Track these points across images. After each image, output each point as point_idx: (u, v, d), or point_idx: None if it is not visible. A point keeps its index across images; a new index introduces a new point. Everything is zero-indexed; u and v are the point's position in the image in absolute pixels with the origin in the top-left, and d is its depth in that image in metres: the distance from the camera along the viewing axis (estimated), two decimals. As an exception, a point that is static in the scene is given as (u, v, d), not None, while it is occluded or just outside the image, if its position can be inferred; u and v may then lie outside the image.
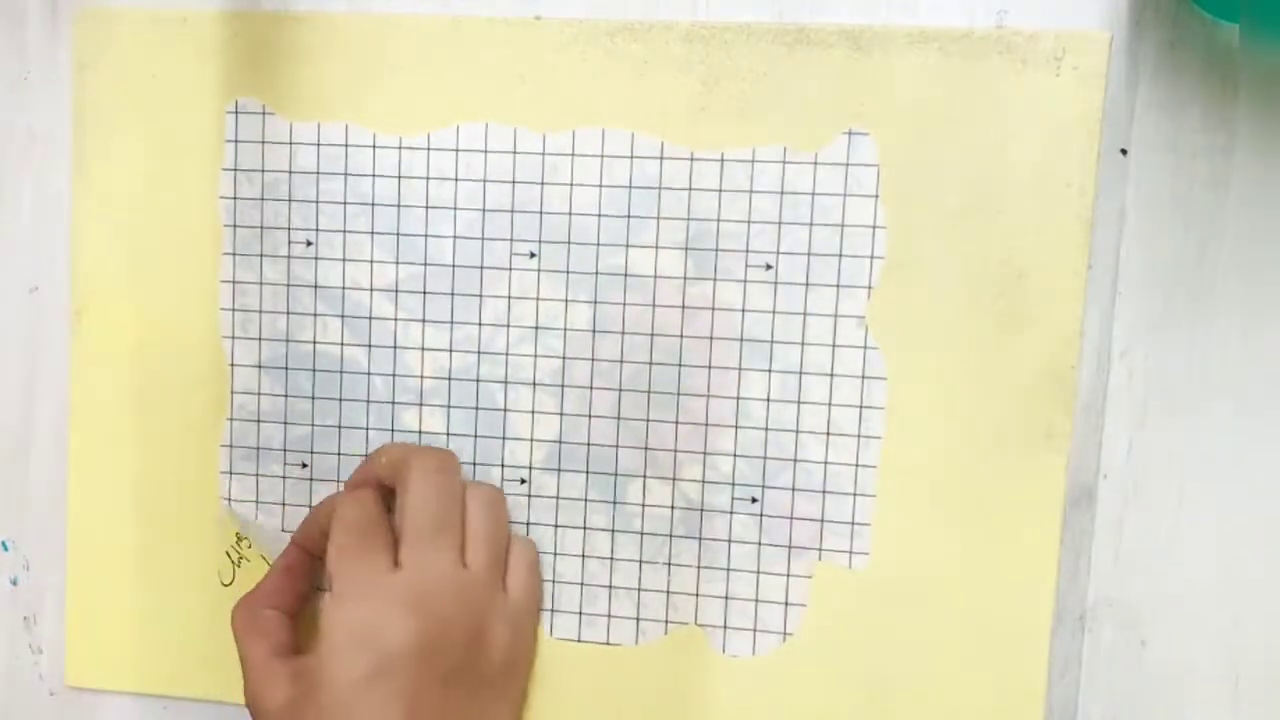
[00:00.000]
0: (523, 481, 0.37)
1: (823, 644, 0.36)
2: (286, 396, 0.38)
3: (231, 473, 0.39)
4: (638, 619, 0.37)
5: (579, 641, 0.37)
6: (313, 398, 0.38)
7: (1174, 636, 0.35)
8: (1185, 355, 0.34)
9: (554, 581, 0.37)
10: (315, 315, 0.38)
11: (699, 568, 0.36)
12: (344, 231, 0.37)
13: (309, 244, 0.37)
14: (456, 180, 0.36)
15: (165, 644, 0.39)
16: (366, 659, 0.32)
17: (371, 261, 0.37)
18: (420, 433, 0.37)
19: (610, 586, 0.37)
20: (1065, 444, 0.34)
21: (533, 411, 0.37)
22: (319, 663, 0.32)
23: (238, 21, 0.37)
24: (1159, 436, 0.34)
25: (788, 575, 0.36)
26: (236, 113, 0.37)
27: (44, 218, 0.39)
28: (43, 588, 0.40)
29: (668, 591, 0.36)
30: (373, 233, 0.37)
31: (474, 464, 0.37)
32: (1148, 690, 0.35)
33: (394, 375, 0.37)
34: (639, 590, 0.37)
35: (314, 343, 0.38)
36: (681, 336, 0.36)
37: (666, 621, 0.37)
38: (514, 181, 0.36)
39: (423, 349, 0.37)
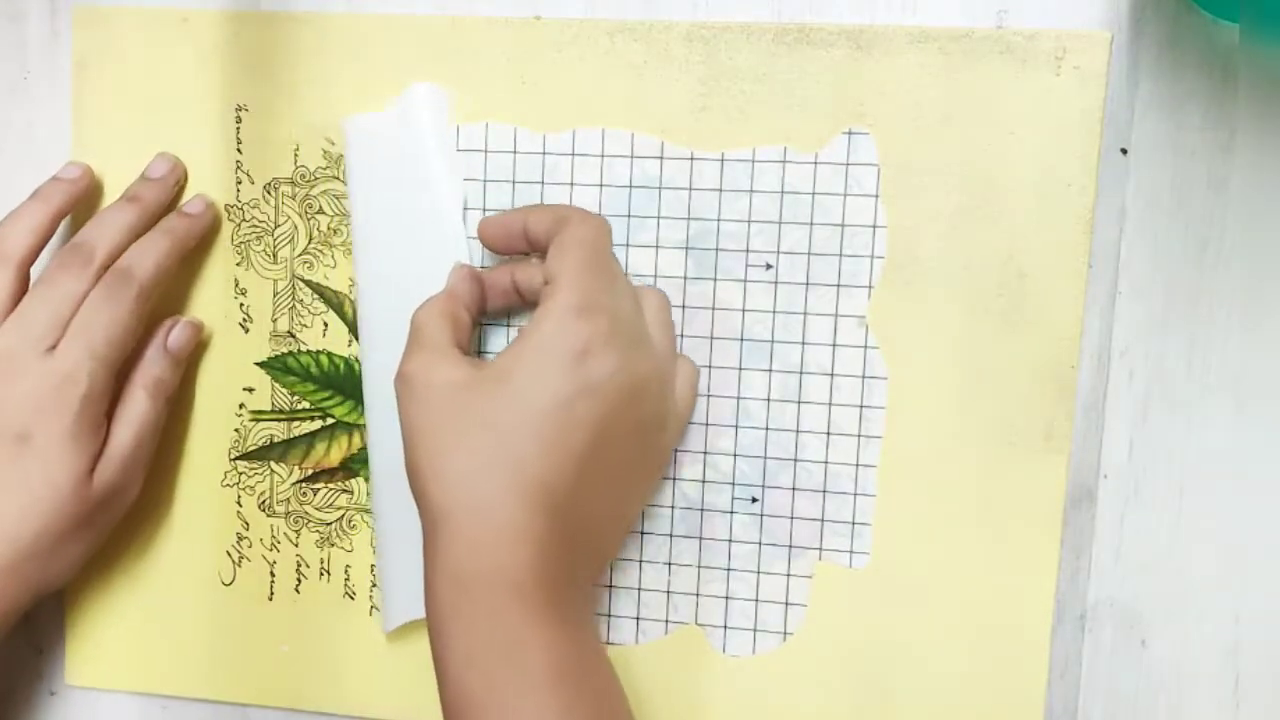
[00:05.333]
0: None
1: (823, 644, 0.36)
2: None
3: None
4: (638, 618, 0.37)
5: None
6: (313, 397, 0.38)
7: (1174, 636, 0.35)
8: (1185, 355, 0.34)
9: (554, 581, 0.37)
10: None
11: (699, 567, 0.36)
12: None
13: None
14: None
15: (165, 644, 0.39)
16: (575, 375, 0.31)
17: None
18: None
19: (611, 586, 0.37)
20: (1066, 444, 0.34)
21: (533, 411, 0.37)
22: (519, 356, 0.31)
23: (238, 21, 0.37)
24: (1159, 436, 0.34)
25: (788, 575, 0.36)
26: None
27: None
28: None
29: (668, 591, 0.36)
30: (373, 232, 0.37)
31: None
32: (1148, 690, 0.35)
33: (394, 375, 0.37)
34: (639, 590, 0.37)
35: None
36: (682, 336, 0.36)
37: (667, 621, 0.37)
38: (514, 181, 0.36)
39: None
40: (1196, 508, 0.34)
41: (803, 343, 0.35)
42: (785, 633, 0.36)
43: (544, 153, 0.36)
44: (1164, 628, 0.35)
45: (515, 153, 0.36)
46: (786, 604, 0.36)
